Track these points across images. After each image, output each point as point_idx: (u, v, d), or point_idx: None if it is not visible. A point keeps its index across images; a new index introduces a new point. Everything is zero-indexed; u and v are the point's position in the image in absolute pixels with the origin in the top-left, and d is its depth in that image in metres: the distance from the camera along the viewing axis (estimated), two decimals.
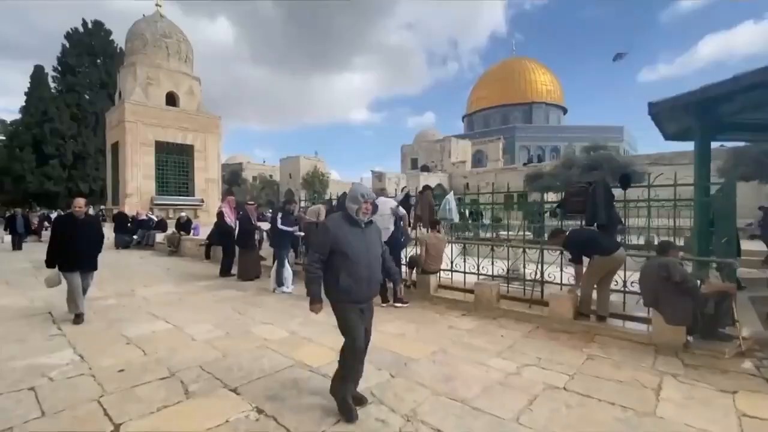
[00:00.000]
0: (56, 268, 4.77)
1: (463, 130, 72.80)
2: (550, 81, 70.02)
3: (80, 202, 4.77)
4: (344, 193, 8.78)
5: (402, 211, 5.23)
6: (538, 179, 23.61)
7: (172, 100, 21.14)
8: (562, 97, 71.51)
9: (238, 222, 7.93)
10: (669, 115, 6.74)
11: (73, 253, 4.70)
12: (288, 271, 6.67)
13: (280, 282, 6.58)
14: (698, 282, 3.58)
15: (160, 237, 14.13)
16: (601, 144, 23.43)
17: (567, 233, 4.62)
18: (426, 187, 6.71)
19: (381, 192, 6.87)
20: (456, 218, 6.40)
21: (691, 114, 6.20)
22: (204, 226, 14.70)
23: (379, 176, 30.38)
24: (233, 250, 8.46)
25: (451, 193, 6.41)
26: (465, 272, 5.87)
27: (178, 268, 9.73)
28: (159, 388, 3.01)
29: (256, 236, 7.90)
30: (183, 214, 13.70)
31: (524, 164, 40.12)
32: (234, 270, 8.18)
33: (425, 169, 34.58)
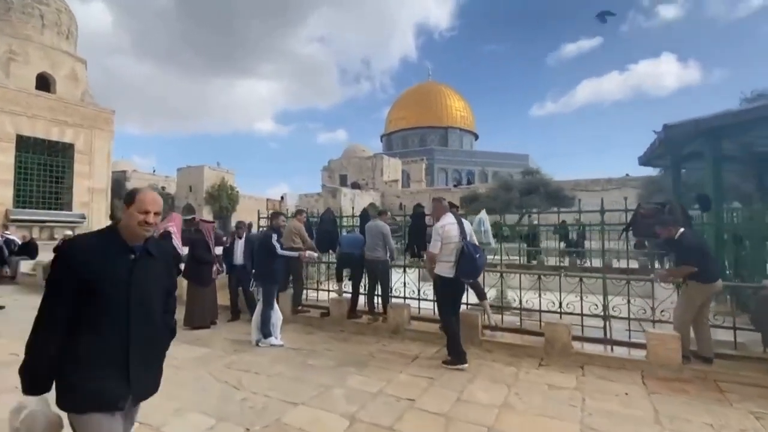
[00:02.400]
0: (44, 398, 1.53)
1: (382, 149, 74.42)
2: (463, 107, 76.18)
3: (155, 199, 1.64)
4: (368, 206, 7.38)
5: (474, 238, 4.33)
6: (474, 201, 24.76)
7: (45, 84, 16.87)
8: (473, 124, 78.22)
9: (189, 246, 6.02)
10: (677, 139, 7.03)
11: (118, 352, 1.55)
12: (277, 316, 5.11)
13: (266, 331, 4.97)
14: None
15: (27, 266, 10.65)
16: (534, 169, 25.70)
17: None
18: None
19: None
20: (493, 242, 5.64)
21: (706, 138, 6.49)
22: None
23: (332, 192, 28.37)
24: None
25: (483, 211, 5.66)
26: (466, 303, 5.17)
27: None
28: None
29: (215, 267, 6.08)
30: (69, 232, 10.54)
31: (454, 186, 42.11)
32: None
33: (356, 186, 33.76)
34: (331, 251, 7.01)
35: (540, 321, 5.13)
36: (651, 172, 21.69)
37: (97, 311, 1.52)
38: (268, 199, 50.60)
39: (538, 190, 20.33)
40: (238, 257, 6.13)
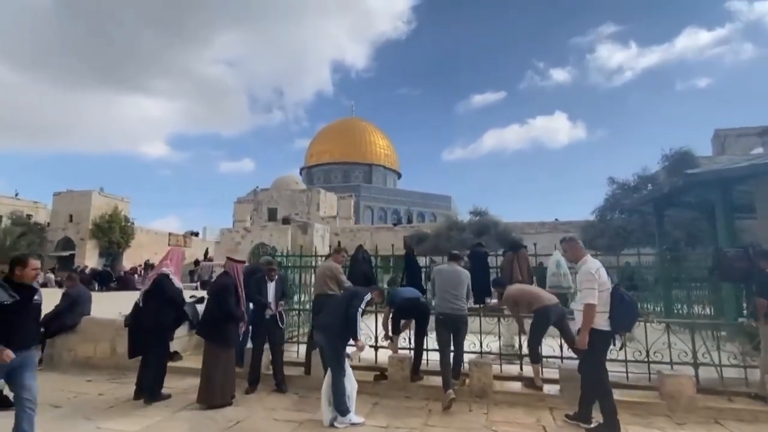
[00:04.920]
0: None
1: (302, 182, 73.18)
2: (387, 146, 79.21)
3: None
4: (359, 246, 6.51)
5: None
6: (423, 241, 25.07)
7: None
8: (397, 163, 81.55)
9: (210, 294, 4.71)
10: (693, 185, 7.76)
11: None
12: (353, 384, 4.14)
13: (343, 407, 3.96)
14: None
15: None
16: (482, 210, 27.13)
17: None
18: (516, 245, 5.58)
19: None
20: (573, 286, 5.43)
21: (719, 186, 7.29)
22: None
23: (303, 228, 25.80)
24: (168, 347, 5.01)
25: (557, 251, 5.47)
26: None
27: None
28: None
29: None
30: None
31: (394, 224, 42.43)
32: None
33: (286, 221, 31.94)
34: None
35: (626, 372, 5.00)
36: (586, 217, 24.41)
37: None
38: (170, 234, 45.37)
39: (489, 230, 21.38)
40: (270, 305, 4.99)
